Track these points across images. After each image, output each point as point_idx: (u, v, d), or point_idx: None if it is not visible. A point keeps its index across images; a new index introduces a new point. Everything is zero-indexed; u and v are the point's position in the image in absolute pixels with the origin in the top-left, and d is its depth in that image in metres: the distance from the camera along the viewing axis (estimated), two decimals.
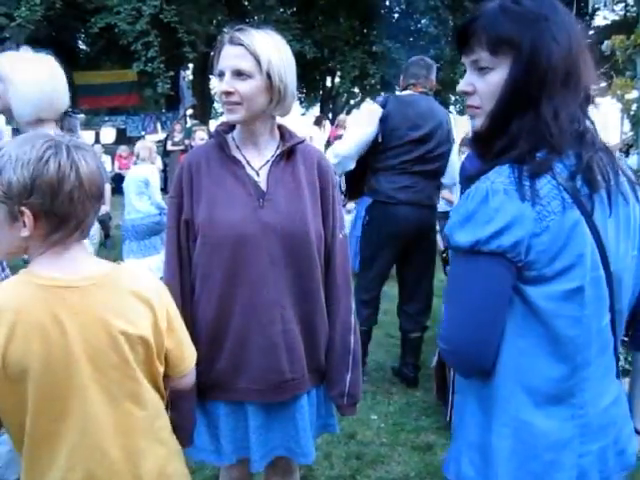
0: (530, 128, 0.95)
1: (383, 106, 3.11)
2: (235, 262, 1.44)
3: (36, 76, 1.75)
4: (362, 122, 3.19)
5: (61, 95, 1.81)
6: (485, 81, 0.99)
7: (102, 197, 1.14)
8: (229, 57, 1.39)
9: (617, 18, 16.86)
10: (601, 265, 0.94)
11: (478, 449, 1.04)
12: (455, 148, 3.34)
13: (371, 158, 3.13)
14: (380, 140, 3.07)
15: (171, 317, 1.21)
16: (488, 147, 1.01)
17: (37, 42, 14.05)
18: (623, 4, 15.49)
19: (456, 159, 3.45)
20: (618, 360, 1.07)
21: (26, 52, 1.89)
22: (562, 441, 0.98)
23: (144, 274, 1.22)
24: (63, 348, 1.05)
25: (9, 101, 1.74)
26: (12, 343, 1.01)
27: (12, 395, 1.07)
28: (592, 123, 1.00)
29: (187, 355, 1.28)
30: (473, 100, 1.02)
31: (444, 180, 3.32)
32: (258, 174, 1.48)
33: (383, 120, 3.06)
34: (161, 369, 1.21)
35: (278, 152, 1.49)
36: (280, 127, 1.55)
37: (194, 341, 1.44)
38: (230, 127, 1.54)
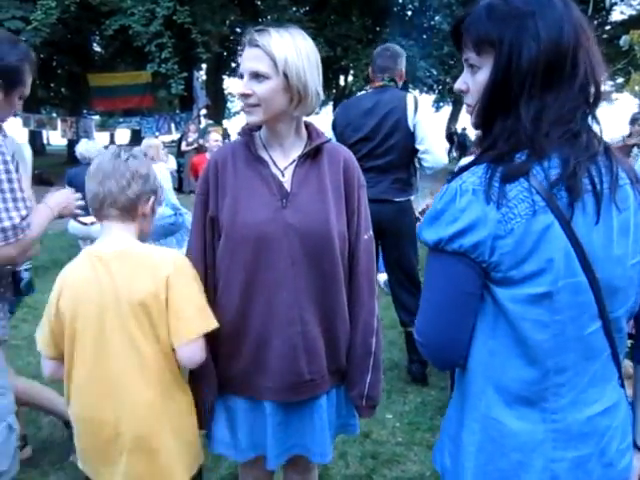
0: (511, 129, 0.93)
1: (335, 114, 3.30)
2: (256, 261, 1.43)
3: None
4: None
5: None
6: (474, 80, 0.99)
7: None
8: (247, 59, 1.39)
9: (634, 12, 16.62)
10: (582, 271, 0.91)
11: (453, 441, 1.06)
12: (425, 133, 3.08)
13: None
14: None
15: (170, 286, 1.38)
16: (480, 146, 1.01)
17: (52, 45, 14.28)
18: None
19: (433, 143, 3.16)
20: (619, 368, 1.02)
21: None
22: (532, 443, 0.96)
23: (153, 251, 1.46)
24: (86, 300, 1.40)
25: None
26: (61, 296, 1.42)
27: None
28: (597, 122, 0.96)
29: (183, 326, 1.38)
30: (468, 98, 1.01)
31: (427, 170, 3.19)
32: (283, 174, 1.47)
33: (333, 127, 3.24)
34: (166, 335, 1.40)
35: (304, 152, 1.48)
36: (308, 126, 1.54)
37: (215, 338, 1.44)
38: (258, 125, 1.51)
